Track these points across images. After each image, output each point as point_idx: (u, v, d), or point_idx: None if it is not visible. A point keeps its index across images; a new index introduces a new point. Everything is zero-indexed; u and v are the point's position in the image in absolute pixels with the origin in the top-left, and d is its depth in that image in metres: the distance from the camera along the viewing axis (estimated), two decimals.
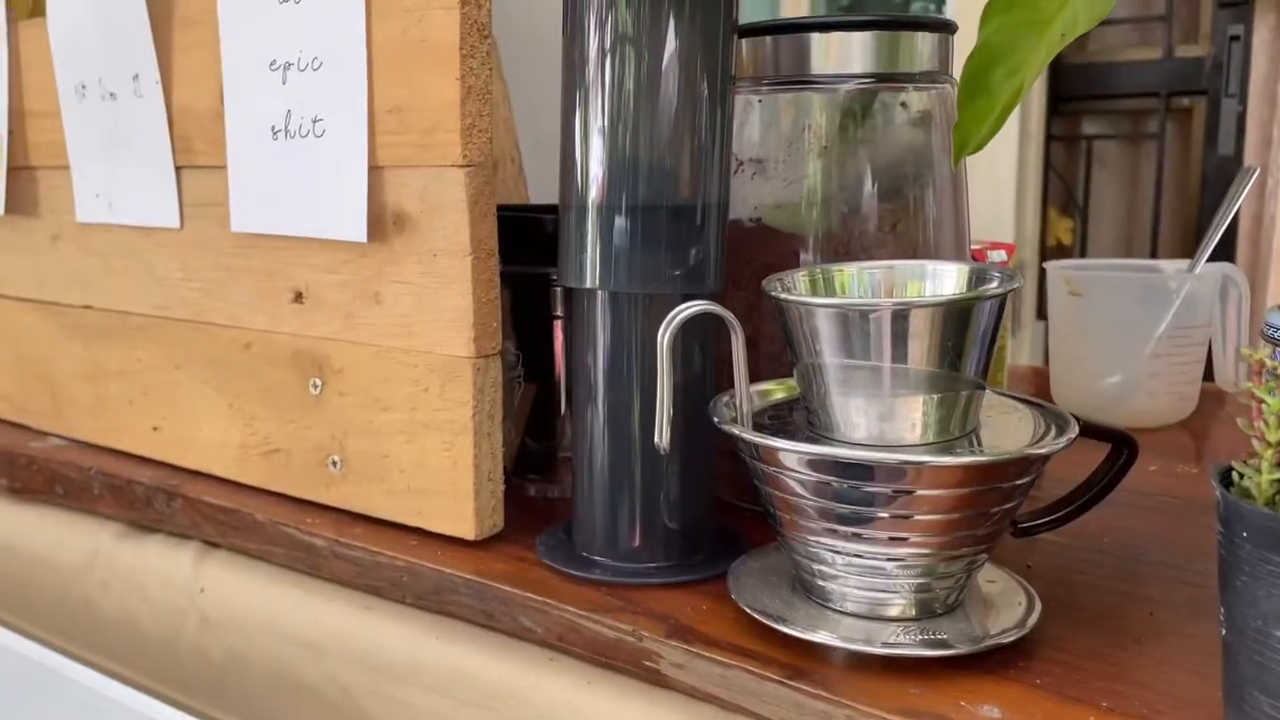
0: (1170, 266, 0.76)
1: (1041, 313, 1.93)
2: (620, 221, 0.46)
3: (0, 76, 0.68)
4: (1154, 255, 1.85)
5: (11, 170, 0.69)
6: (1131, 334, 0.70)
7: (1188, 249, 1.90)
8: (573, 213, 0.47)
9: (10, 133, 0.69)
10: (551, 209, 0.65)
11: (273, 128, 0.55)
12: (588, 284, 0.47)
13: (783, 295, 0.41)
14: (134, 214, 0.63)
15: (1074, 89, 1.89)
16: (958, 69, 0.47)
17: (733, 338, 0.41)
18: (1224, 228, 0.71)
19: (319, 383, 0.55)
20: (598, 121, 0.46)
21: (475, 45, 0.48)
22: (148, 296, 0.63)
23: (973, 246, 0.65)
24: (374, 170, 0.51)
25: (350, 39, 0.51)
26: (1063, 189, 1.96)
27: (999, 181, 1.81)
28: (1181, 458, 0.67)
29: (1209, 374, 0.76)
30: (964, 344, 0.39)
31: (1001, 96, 0.45)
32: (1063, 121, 1.93)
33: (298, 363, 0.56)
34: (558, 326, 0.58)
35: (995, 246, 0.70)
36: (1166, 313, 0.69)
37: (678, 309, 0.41)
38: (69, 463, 0.65)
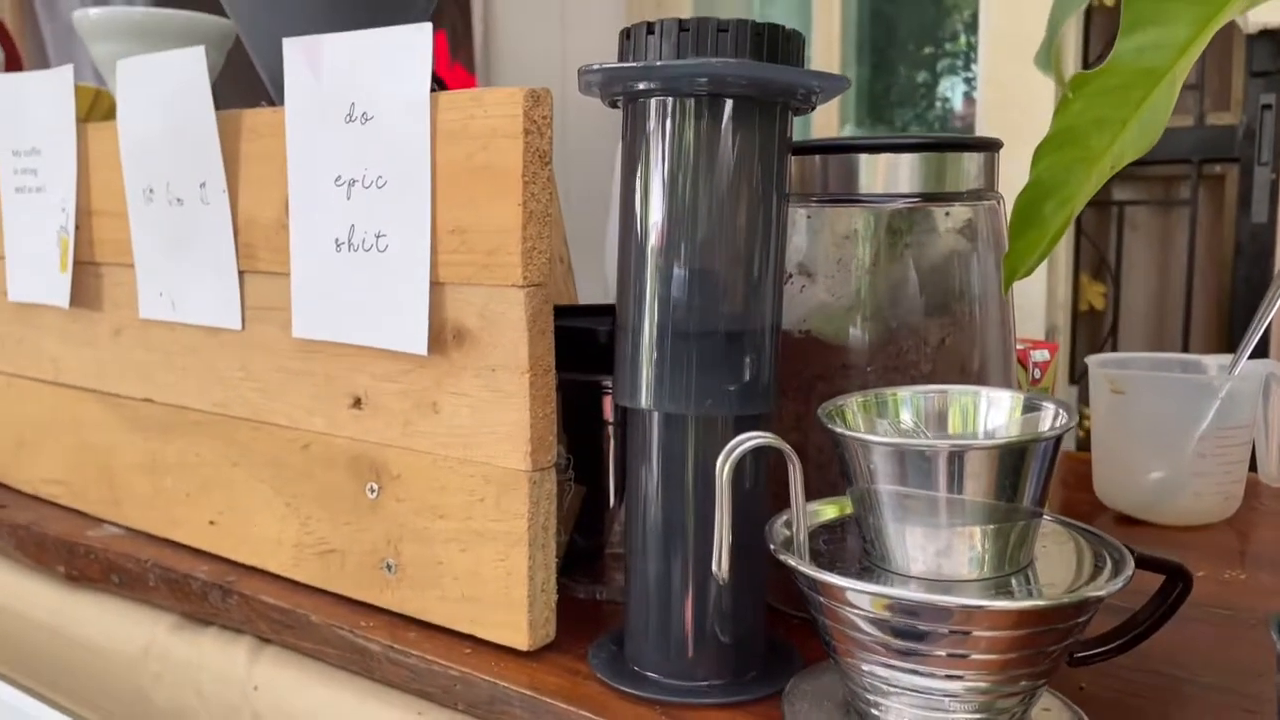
0: (1212, 362, 0.76)
1: (1074, 378, 1.92)
2: (675, 345, 0.47)
3: (69, 175, 0.71)
4: (1188, 319, 1.85)
5: (77, 264, 0.72)
6: (1175, 433, 0.70)
7: (1221, 316, 1.89)
8: (629, 334, 0.48)
9: (77, 229, 0.71)
10: (601, 310, 0.66)
11: (336, 240, 0.56)
12: (642, 405, 0.48)
13: (840, 430, 0.41)
14: (197, 314, 0.65)
15: None
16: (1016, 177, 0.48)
17: (790, 470, 0.42)
18: (1263, 328, 0.71)
19: (376, 487, 0.57)
20: (654, 245, 0.47)
21: (537, 171, 0.50)
22: (208, 393, 0.65)
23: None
24: (435, 286, 0.53)
25: (415, 161, 0.52)
26: (1095, 254, 1.96)
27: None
28: (1228, 561, 0.67)
29: (1252, 465, 0.76)
30: (1021, 479, 0.40)
31: (1052, 227, 0.46)
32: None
33: (355, 467, 0.57)
34: (608, 431, 0.59)
35: (1038, 346, 0.71)
36: (1209, 412, 0.69)
37: (737, 440, 0.42)
38: (126, 553, 0.67)
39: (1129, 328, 1.94)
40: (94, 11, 0.78)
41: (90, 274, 0.71)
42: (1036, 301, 1.83)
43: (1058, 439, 0.40)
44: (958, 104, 2.78)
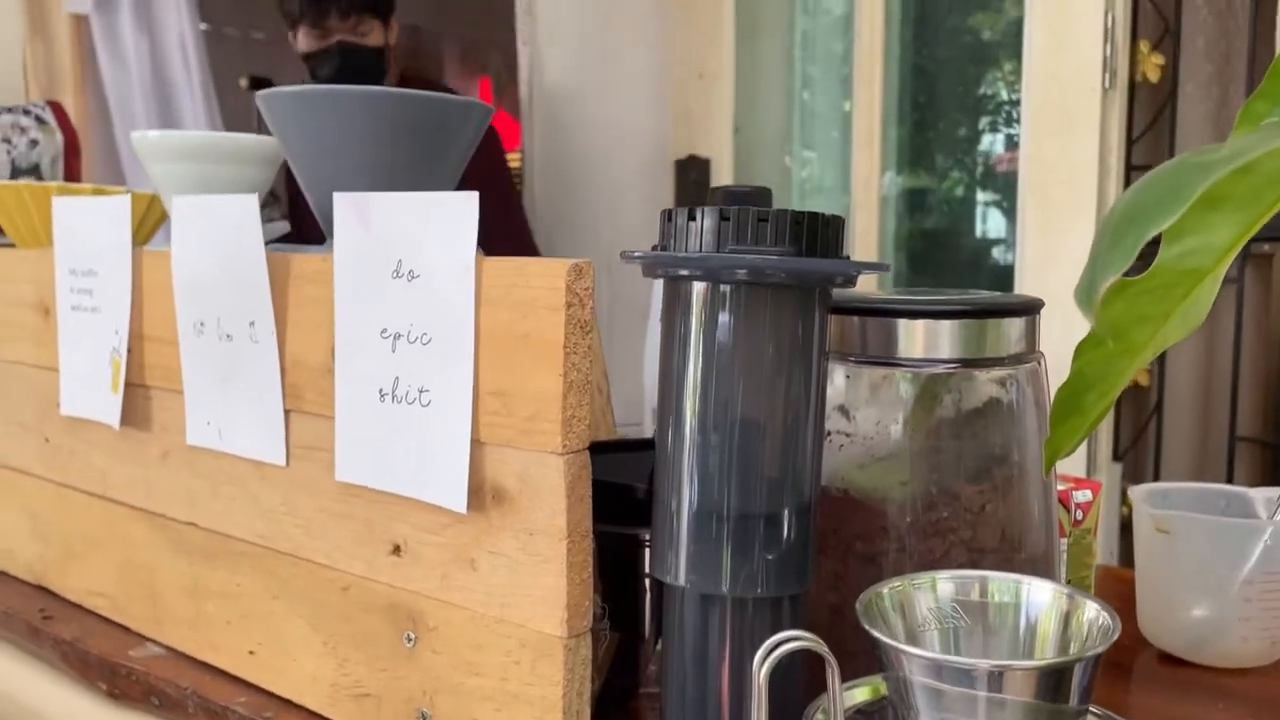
0: (1259, 497, 0.74)
1: (1117, 455, 1.89)
2: (712, 526, 0.47)
3: (124, 300, 0.73)
4: (1234, 399, 1.81)
5: (128, 385, 0.73)
6: (1220, 574, 0.69)
7: (1269, 396, 1.85)
8: (666, 510, 0.49)
9: (129, 351, 0.73)
10: (641, 445, 0.66)
11: (380, 390, 0.57)
12: (679, 582, 0.48)
13: (880, 636, 0.41)
14: (242, 446, 0.66)
15: None
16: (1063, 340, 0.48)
17: (829, 674, 0.42)
18: None
19: (413, 636, 0.57)
20: (692, 425, 0.47)
21: (578, 342, 0.50)
22: (251, 524, 0.66)
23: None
24: (476, 444, 0.53)
25: (459, 324, 0.53)
26: None
27: (1074, 323, 1.79)
28: (1274, 709, 0.65)
29: None
30: (1063, 689, 0.39)
31: (1093, 415, 0.46)
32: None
33: (393, 614, 0.58)
34: (645, 582, 0.59)
35: (1080, 485, 0.70)
36: (1254, 555, 0.68)
37: (775, 641, 0.42)
38: (166, 678, 0.68)
39: (1174, 405, 1.91)
40: (152, 134, 0.81)
41: (140, 395, 0.73)
42: None
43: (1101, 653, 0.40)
44: (999, 149, 2.78)
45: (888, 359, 0.54)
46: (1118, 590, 0.86)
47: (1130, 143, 1.79)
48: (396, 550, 0.58)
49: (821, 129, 2.33)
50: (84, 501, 0.79)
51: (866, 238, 2.11)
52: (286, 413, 0.63)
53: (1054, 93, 1.77)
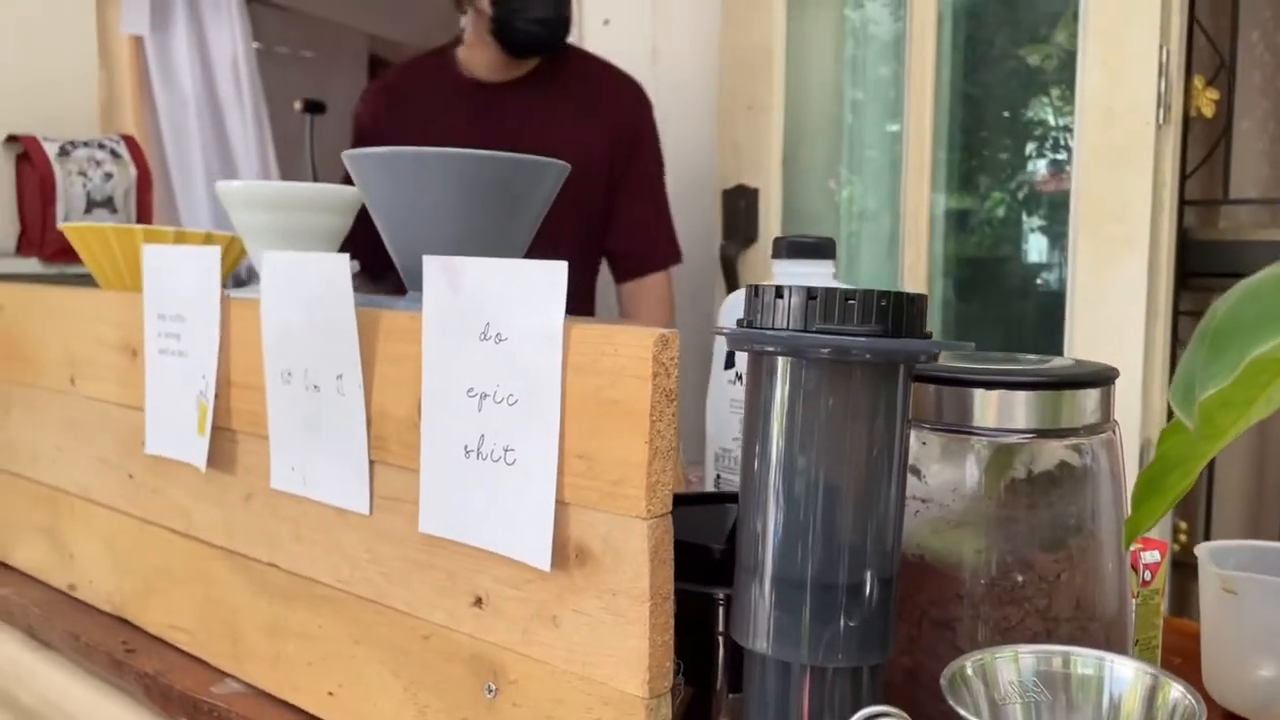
0: None
1: None
2: (794, 595, 0.48)
3: (212, 347, 0.75)
4: None
5: (214, 429, 0.76)
6: None
7: None
8: (749, 576, 0.50)
9: (216, 396, 0.76)
10: (717, 498, 0.68)
11: (466, 447, 0.59)
12: (759, 649, 0.49)
13: (966, 715, 0.42)
14: (327, 494, 0.68)
15: (1203, 265, 1.86)
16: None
17: None
18: None
19: (494, 688, 0.59)
20: (775, 495, 0.49)
21: (664, 409, 0.52)
22: (334, 569, 0.68)
23: None
24: (560, 504, 0.55)
25: (546, 388, 0.55)
26: None
27: (1126, 356, 1.79)
28: None
29: None
30: None
31: (1173, 494, 0.47)
32: (1191, 297, 1.90)
33: (474, 665, 0.60)
34: (720, 640, 0.60)
35: (1148, 545, 0.70)
36: None
37: (862, 716, 0.43)
38: (248, 716, 0.70)
39: (1228, 454, 1.89)
40: (235, 184, 0.84)
41: (225, 438, 0.76)
42: (1133, 415, 1.80)
43: None
44: (1041, 172, 2.77)
45: (963, 427, 0.55)
46: (1181, 645, 0.86)
47: (1184, 178, 1.78)
48: (478, 602, 0.60)
49: (868, 154, 2.34)
50: (165, 538, 0.82)
51: (915, 268, 2.11)
52: (371, 463, 0.65)
53: (1107, 127, 1.76)
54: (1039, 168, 2.69)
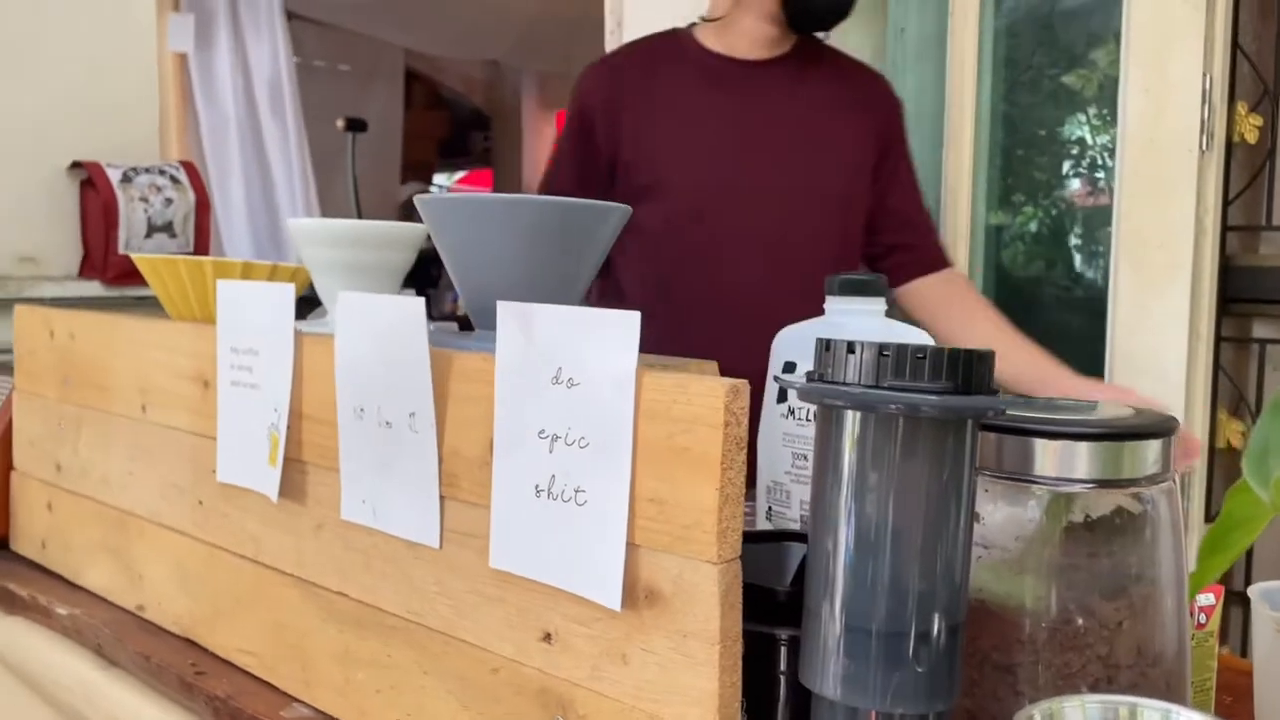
0: None
1: (1209, 516, 1.86)
2: (863, 642, 0.50)
3: (284, 381, 0.78)
4: None
5: (286, 459, 0.79)
6: None
7: None
8: (818, 622, 0.51)
9: (288, 428, 0.78)
10: (778, 536, 0.69)
11: (537, 486, 0.61)
12: (828, 694, 0.51)
13: None
14: (397, 527, 0.70)
15: (1244, 291, 1.86)
16: None
17: None
18: None
19: None
20: (845, 545, 0.50)
21: (734, 457, 0.54)
22: (403, 600, 0.70)
23: None
24: (631, 546, 0.57)
25: (618, 432, 0.57)
26: (1234, 391, 1.91)
27: (1168, 381, 1.78)
28: None
29: None
30: None
31: (1237, 549, 0.48)
32: (1233, 323, 1.89)
33: (543, 699, 0.62)
34: (782, 680, 0.61)
35: (1203, 590, 0.71)
36: None
37: None
38: None
39: None
40: (306, 222, 0.87)
41: (296, 469, 0.78)
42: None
43: None
44: (1080, 190, 2.77)
45: (1025, 476, 0.57)
46: (1234, 683, 0.86)
47: (1227, 204, 1.78)
48: (547, 638, 0.62)
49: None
50: (234, 563, 0.84)
51: None
52: (441, 498, 0.68)
53: (1150, 155, 1.76)
54: (1078, 186, 2.68)
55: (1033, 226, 2.66)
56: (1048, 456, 0.56)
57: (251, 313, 0.81)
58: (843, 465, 0.50)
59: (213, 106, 3.50)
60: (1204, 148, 1.72)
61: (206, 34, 3.48)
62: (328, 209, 3.74)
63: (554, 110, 6.11)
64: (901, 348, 0.49)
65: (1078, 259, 2.54)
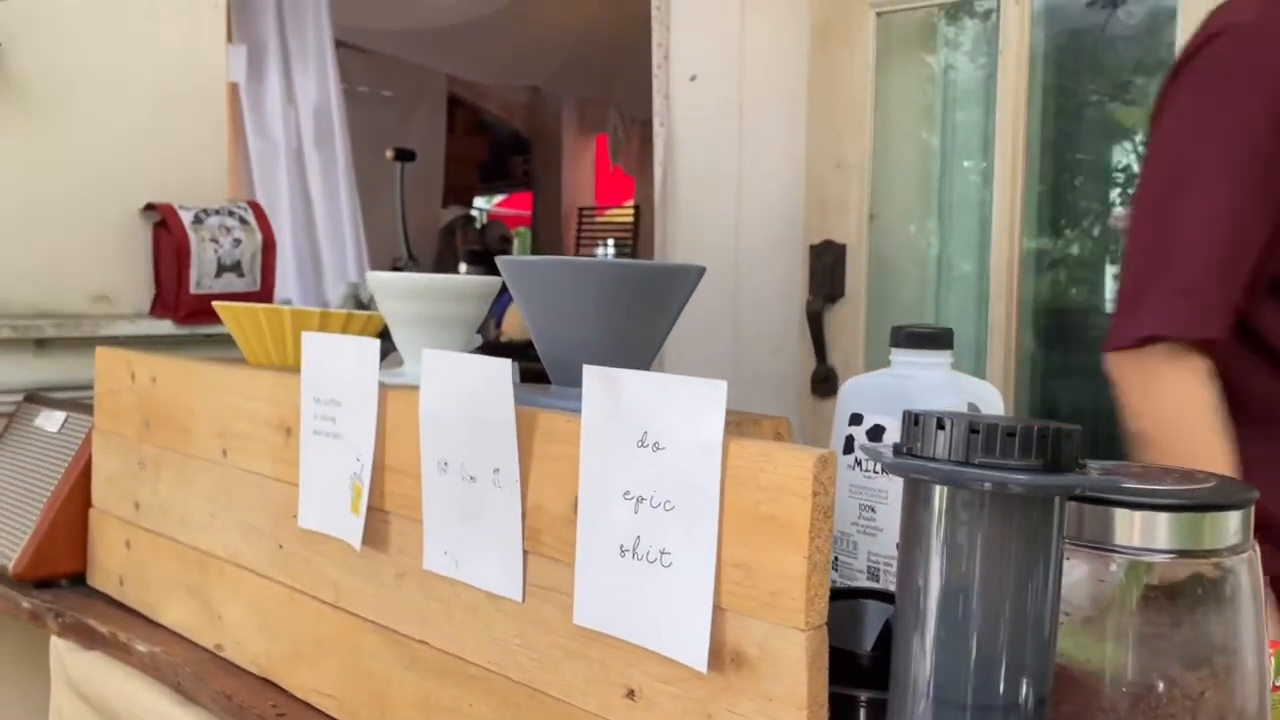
0: None
1: None
2: (954, 714, 0.51)
3: (368, 433, 0.81)
4: None
5: (368, 508, 0.81)
6: None
7: None
8: (908, 693, 0.53)
9: (370, 478, 0.81)
10: (863, 594, 0.70)
11: (621, 546, 0.63)
12: None
13: None
14: (479, 579, 0.72)
15: None
16: None
17: None
18: None
19: None
20: (933, 618, 0.52)
21: (821, 526, 0.55)
22: (484, 651, 0.72)
23: None
24: (717, 609, 0.58)
25: (704, 497, 0.59)
26: None
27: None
28: None
29: None
30: None
31: None
32: None
33: None
34: None
35: (1275, 644, 0.71)
36: None
37: None
38: None
39: None
40: (384, 275, 0.89)
41: (378, 518, 0.81)
42: None
43: None
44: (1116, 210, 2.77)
45: (1106, 545, 0.58)
46: None
47: None
48: (631, 694, 0.63)
49: (955, 205, 2.35)
50: (314, 607, 0.87)
51: (1003, 318, 2.10)
52: (525, 553, 0.70)
53: None
54: (1115, 207, 2.66)
55: (1078, 254, 2.65)
56: (1130, 527, 0.57)
57: (336, 365, 0.84)
58: (931, 539, 0.52)
59: (263, 136, 3.58)
60: None
61: (257, 64, 3.56)
62: (374, 236, 3.80)
63: (593, 134, 6.18)
64: (991, 426, 0.50)
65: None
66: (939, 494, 0.51)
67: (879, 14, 2.10)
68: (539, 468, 0.69)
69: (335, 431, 0.84)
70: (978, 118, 2.28)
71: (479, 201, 6.78)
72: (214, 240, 1.42)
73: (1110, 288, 2.53)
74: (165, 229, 1.42)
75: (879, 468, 0.84)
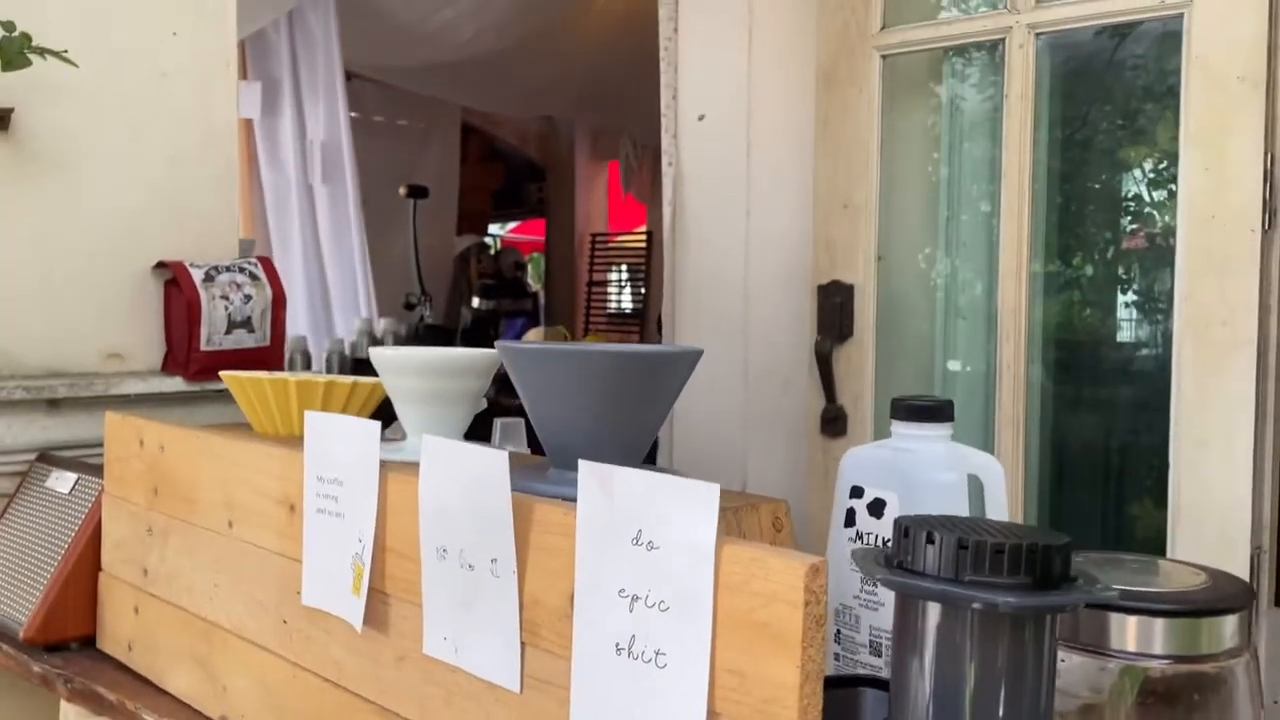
0: None
1: (1277, 600, 1.82)
2: None
3: (369, 513, 0.81)
4: None
5: (370, 590, 0.82)
6: None
7: None
8: None
9: (372, 559, 0.81)
10: (849, 682, 0.70)
11: (617, 644, 0.63)
12: None
13: None
14: (478, 666, 0.73)
15: None
16: None
17: None
18: None
19: None
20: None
21: (814, 634, 0.55)
22: None
23: None
24: (712, 713, 0.58)
25: (698, 600, 0.59)
26: None
27: (1235, 461, 1.75)
28: None
29: None
30: None
31: None
32: None
33: None
34: None
35: None
36: None
37: None
38: None
39: None
40: (388, 351, 0.90)
41: (379, 600, 0.81)
42: (1242, 521, 1.76)
43: None
44: (1138, 256, 2.75)
45: (1102, 649, 0.57)
46: None
47: None
48: None
49: (963, 244, 2.34)
50: (317, 684, 0.87)
51: (1012, 355, 2.09)
52: (523, 644, 0.70)
53: (1211, 232, 1.75)
54: (1136, 253, 2.65)
55: (1088, 289, 2.64)
56: (1125, 632, 0.57)
57: (338, 445, 0.85)
58: (924, 652, 0.52)
59: (276, 170, 3.62)
60: (1266, 226, 1.71)
61: (272, 103, 3.61)
62: (388, 269, 3.83)
63: (606, 161, 6.22)
64: (980, 542, 0.50)
65: (1137, 325, 2.52)
66: (930, 611, 0.51)
67: (884, 56, 2.11)
68: (536, 559, 0.69)
69: (338, 511, 0.85)
70: (985, 154, 2.27)
71: (493, 228, 6.81)
72: (224, 297, 1.44)
73: (1122, 318, 2.52)
74: (176, 286, 1.43)
75: (882, 541, 0.84)
